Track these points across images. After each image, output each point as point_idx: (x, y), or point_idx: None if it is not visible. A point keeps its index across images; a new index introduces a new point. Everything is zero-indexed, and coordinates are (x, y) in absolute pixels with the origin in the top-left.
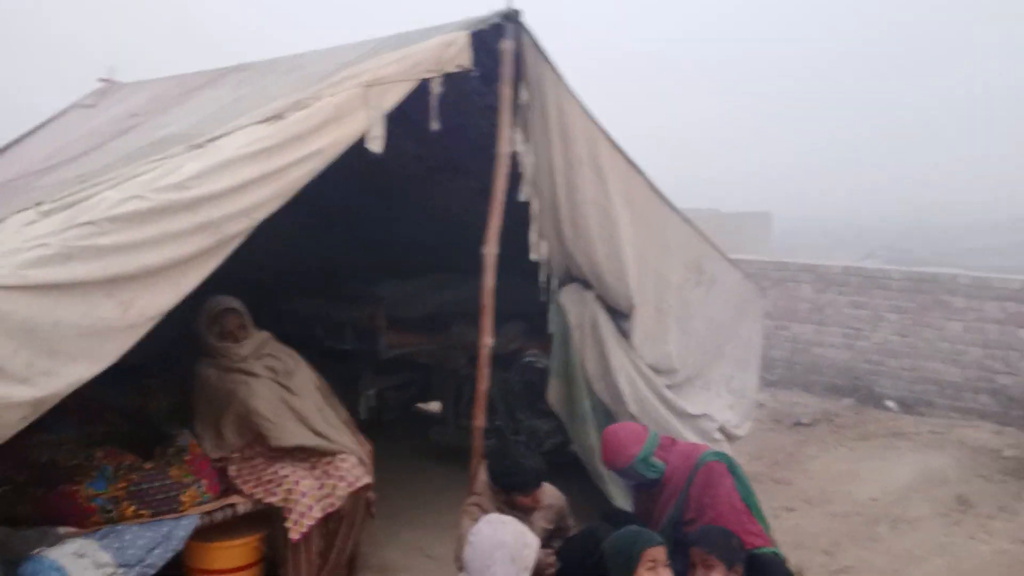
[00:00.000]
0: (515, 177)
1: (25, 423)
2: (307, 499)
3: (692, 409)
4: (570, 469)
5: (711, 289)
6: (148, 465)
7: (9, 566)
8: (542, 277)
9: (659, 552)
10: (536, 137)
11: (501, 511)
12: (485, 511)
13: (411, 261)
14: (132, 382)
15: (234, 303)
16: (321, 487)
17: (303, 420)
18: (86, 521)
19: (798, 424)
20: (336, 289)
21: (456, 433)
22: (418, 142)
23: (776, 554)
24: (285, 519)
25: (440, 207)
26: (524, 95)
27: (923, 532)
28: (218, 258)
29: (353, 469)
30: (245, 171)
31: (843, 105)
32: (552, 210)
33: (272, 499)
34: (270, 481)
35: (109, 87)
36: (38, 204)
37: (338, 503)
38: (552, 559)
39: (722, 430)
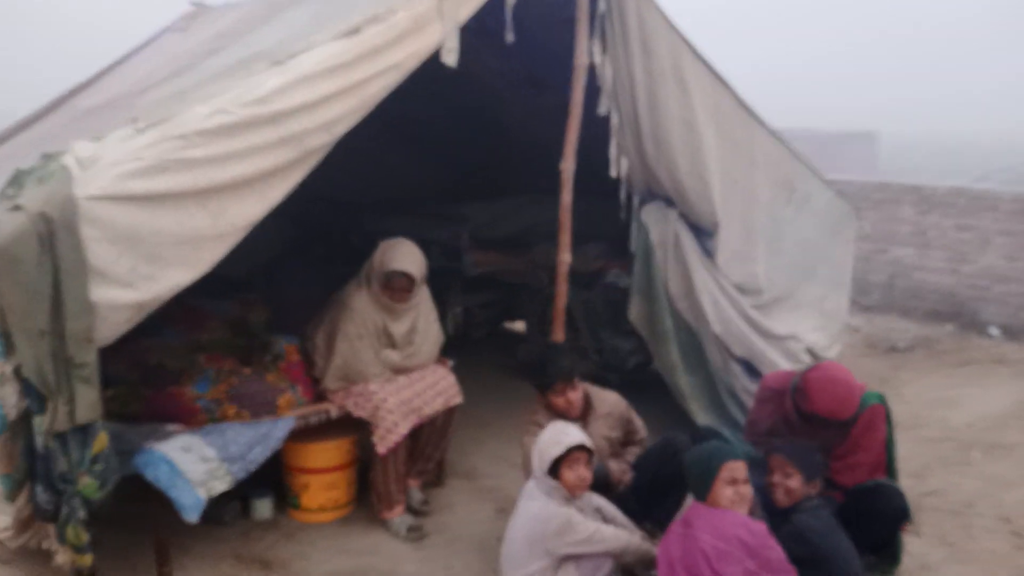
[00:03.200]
0: (595, 91)
1: (129, 324)
2: (393, 416)
3: (779, 330)
4: (653, 387)
5: (803, 208)
6: (247, 370)
7: (124, 457)
8: (622, 195)
9: (739, 467)
10: (616, 48)
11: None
12: (541, 425)
13: (497, 181)
14: (235, 294)
15: (410, 266)
16: (411, 401)
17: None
18: (192, 420)
19: (893, 349)
20: (425, 209)
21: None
22: (500, 57)
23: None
24: (372, 433)
25: (523, 125)
26: (602, 4)
27: (1017, 458)
28: (301, 171)
29: (450, 388)
30: (323, 86)
31: None
32: (633, 125)
33: (361, 413)
34: (360, 395)
35: (199, 11)
36: (134, 121)
37: (426, 418)
38: (626, 468)
39: (809, 351)
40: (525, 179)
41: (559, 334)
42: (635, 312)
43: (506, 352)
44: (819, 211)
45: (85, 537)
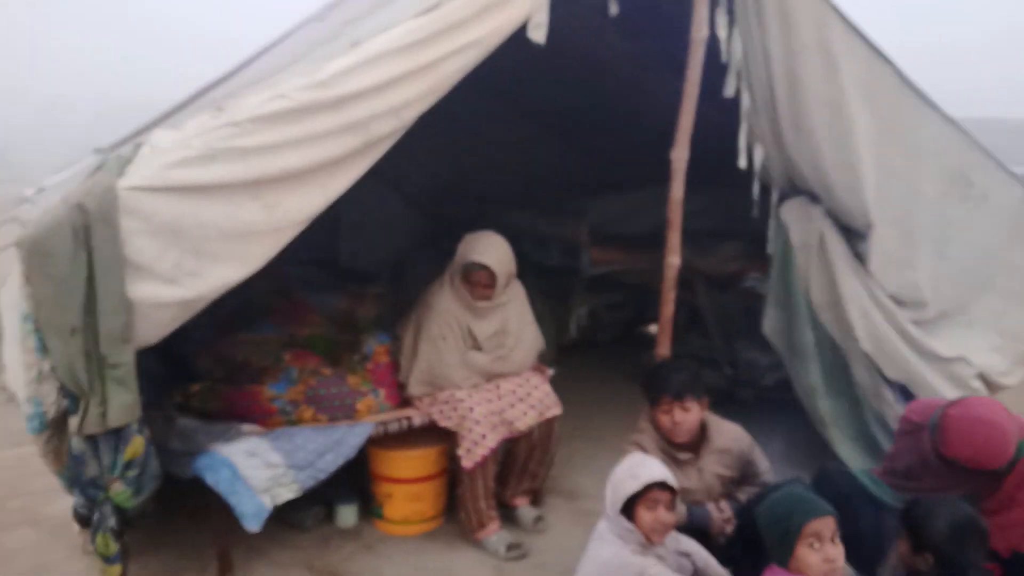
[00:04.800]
0: (722, 69)
1: (176, 323)
2: (480, 427)
3: (944, 350)
4: (793, 410)
5: (980, 207)
6: (327, 370)
7: (190, 458)
8: (755, 189)
9: (824, 525)
10: (746, 19)
11: (664, 450)
12: (642, 447)
13: (633, 173)
14: (353, 287)
15: (489, 259)
16: (501, 412)
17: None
18: (268, 421)
19: None
20: (546, 202)
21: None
22: (629, 38)
23: None
24: (458, 445)
25: (661, 112)
26: None
27: None
28: (368, 160)
29: (545, 398)
30: (392, 66)
31: None
32: (768, 108)
33: (447, 423)
34: (446, 403)
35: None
36: (218, 109)
37: (517, 431)
38: (730, 517)
39: (982, 377)
40: (662, 170)
41: (664, 347)
42: (770, 324)
43: (636, 358)
44: (1001, 211)
45: (115, 547)
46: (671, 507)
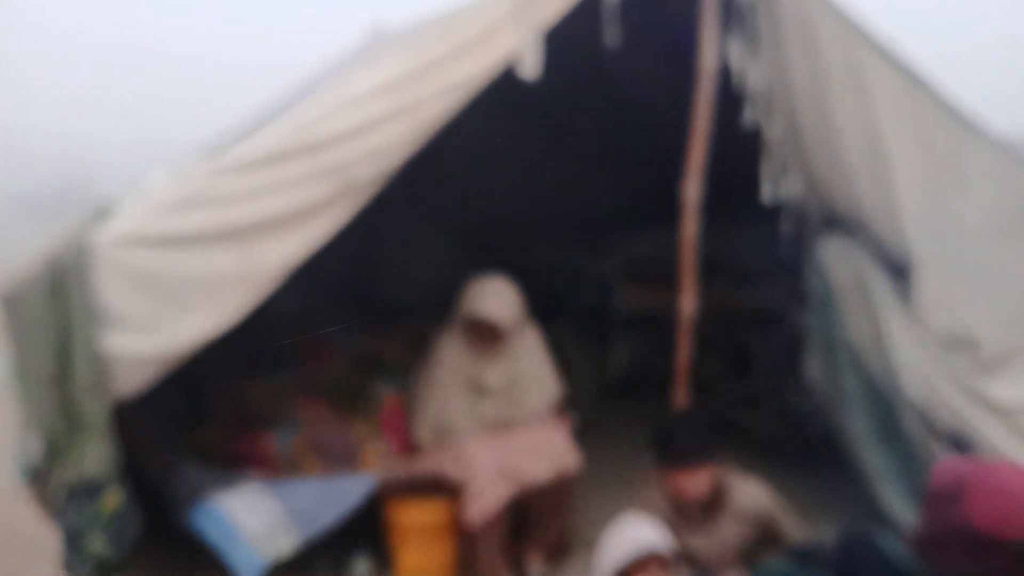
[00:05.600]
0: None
1: (155, 376)
2: (486, 481)
3: (1005, 397)
4: (843, 461)
5: None
6: (332, 417)
7: (188, 507)
8: (785, 224)
9: None
10: (763, 45)
11: (673, 510)
12: (651, 507)
13: (667, 206)
14: (380, 326)
15: (494, 312)
16: (508, 464)
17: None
18: (271, 469)
19: None
20: (581, 238)
21: (715, 402)
22: (669, 64)
23: None
24: (463, 499)
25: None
26: None
27: None
28: (349, 207)
29: (561, 449)
30: (371, 108)
31: None
32: (794, 138)
33: (452, 475)
34: (452, 453)
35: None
36: (214, 154)
37: (528, 485)
38: None
39: None
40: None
41: (680, 398)
42: (812, 369)
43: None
44: None
45: None
46: (668, 572)
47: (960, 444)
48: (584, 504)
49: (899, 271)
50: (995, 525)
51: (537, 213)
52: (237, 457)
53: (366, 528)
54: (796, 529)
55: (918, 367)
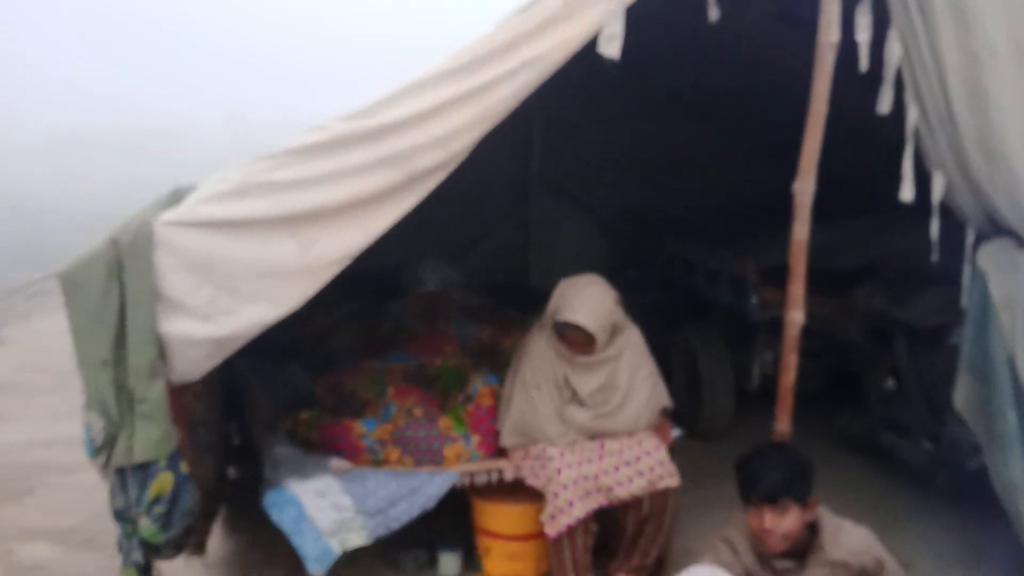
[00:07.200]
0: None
1: (212, 361)
2: (568, 492)
3: None
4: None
5: None
6: (419, 411)
7: (265, 489)
8: (933, 227)
9: None
10: (906, 17)
11: (758, 555)
12: (735, 550)
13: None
14: (502, 316)
15: (584, 318)
16: (596, 478)
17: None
18: (357, 458)
19: None
20: (722, 234)
21: (865, 423)
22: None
23: None
24: (542, 509)
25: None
26: None
27: None
28: (413, 196)
29: (658, 465)
30: (438, 93)
31: None
32: (946, 127)
33: (534, 481)
34: (536, 459)
35: None
36: None
37: (617, 500)
38: None
39: None
40: (877, 197)
41: (783, 424)
42: (963, 396)
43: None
44: None
45: None
46: None
47: None
48: (693, 525)
49: None
50: None
51: (682, 208)
52: (326, 443)
53: (459, 524)
54: None
55: None
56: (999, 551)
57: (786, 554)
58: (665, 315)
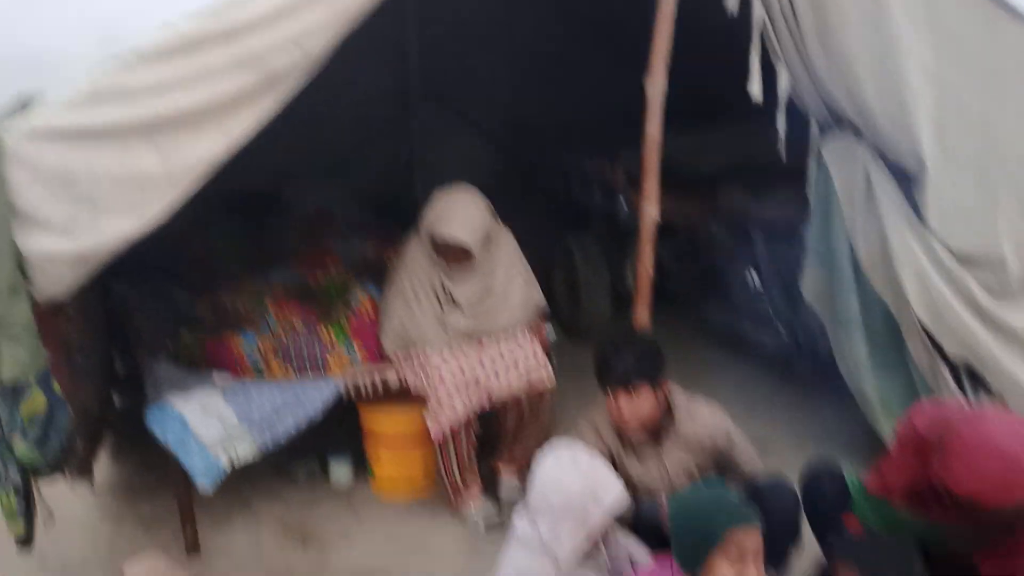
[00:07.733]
0: None
1: (77, 278)
2: (449, 393)
3: None
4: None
5: None
6: (300, 324)
7: (147, 407)
8: (780, 122)
9: (751, 538)
10: None
11: (618, 435)
12: (598, 432)
13: (697, 103)
14: (383, 231)
15: (460, 232)
16: (479, 378)
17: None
18: (240, 373)
19: None
20: (594, 141)
21: (728, 314)
22: None
23: None
24: (425, 411)
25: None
26: None
27: None
28: (270, 99)
29: (532, 363)
30: None
31: None
32: (790, 23)
33: (417, 384)
34: (418, 363)
35: None
36: None
37: (496, 397)
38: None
39: None
40: (732, 103)
41: (642, 314)
42: (810, 285)
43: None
44: None
45: (14, 503)
46: None
47: (971, 373)
48: (572, 419)
49: (910, 177)
50: (975, 490)
51: (561, 117)
52: (209, 360)
53: (348, 432)
54: (752, 460)
55: (927, 285)
56: (848, 428)
57: (644, 434)
58: (547, 224)
